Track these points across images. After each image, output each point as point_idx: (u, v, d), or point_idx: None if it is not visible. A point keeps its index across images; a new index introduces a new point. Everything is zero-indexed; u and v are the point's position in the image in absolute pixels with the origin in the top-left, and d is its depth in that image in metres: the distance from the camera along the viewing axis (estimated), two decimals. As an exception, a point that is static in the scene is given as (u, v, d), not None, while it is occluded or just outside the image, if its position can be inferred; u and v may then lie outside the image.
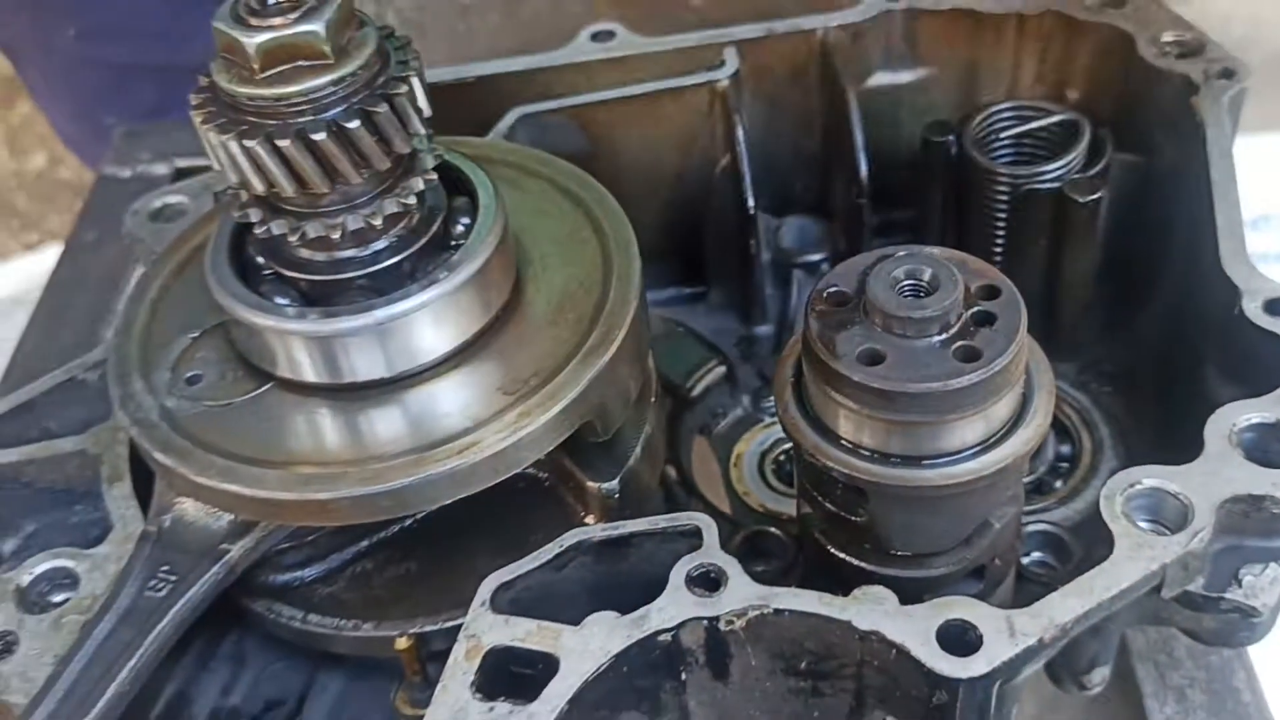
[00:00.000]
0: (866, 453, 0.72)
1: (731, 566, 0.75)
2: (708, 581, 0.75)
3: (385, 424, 0.78)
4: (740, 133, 1.10)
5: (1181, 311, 1.00)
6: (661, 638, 0.73)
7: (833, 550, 0.79)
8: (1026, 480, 0.95)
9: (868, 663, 0.73)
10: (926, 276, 0.72)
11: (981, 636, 0.70)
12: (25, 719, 0.74)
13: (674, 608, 0.73)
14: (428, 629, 0.83)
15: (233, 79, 0.70)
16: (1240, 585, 0.77)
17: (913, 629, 0.70)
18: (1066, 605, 0.71)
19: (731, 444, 1.08)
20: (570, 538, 0.78)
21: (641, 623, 0.73)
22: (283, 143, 0.69)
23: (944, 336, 0.70)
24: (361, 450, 0.77)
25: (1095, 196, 1.02)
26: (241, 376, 0.82)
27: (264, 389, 0.81)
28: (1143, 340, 1.09)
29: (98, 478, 0.89)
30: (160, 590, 0.79)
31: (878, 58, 1.13)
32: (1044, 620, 0.71)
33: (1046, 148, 1.07)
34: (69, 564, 0.84)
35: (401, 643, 0.80)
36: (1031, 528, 0.93)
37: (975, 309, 0.72)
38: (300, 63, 0.70)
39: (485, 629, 0.73)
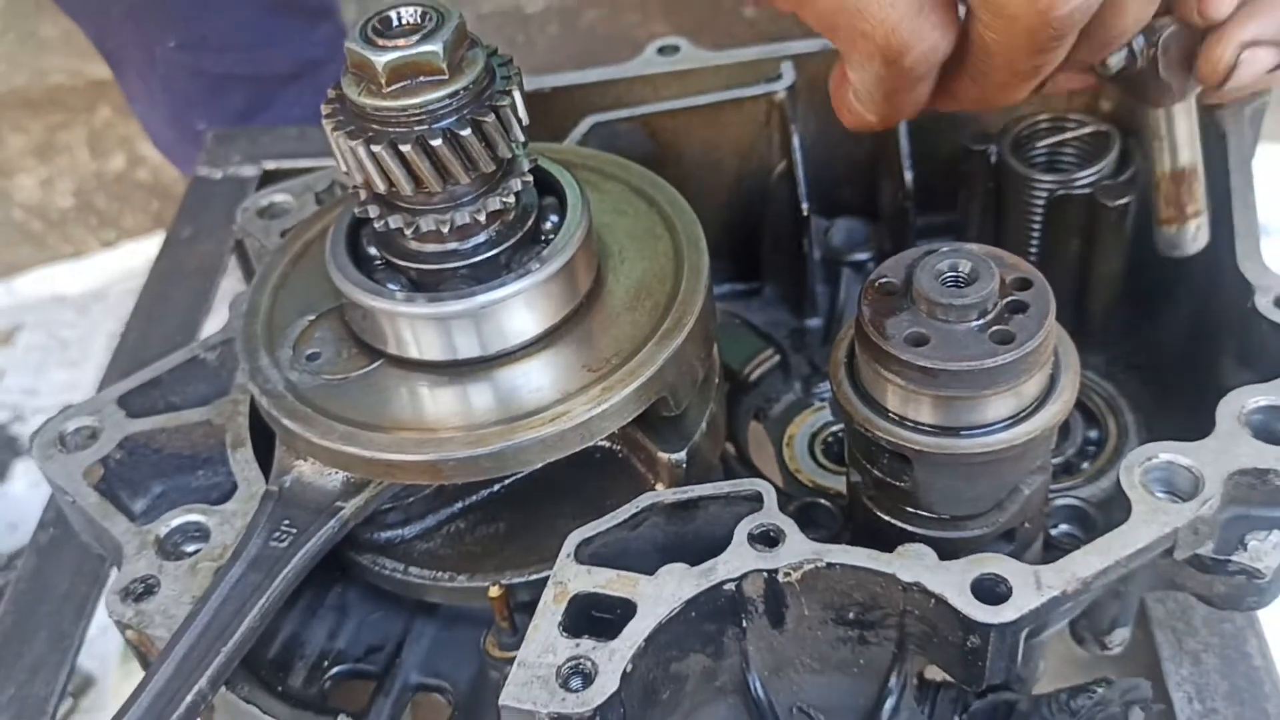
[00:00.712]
0: (911, 424, 0.81)
1: (789, 526, 0.84)
2: (768, 539, 0.84)
3: (483, 396, 0.88)
4: (795, 140, 1.18)
5: (1202, 307, 1.08)
6: (726, 587, 0.82)
7: (880, 514, 0.88)
8: (1057, 461, 1.04)
9: (909, 612, 0.82)
10: (966, 269, 0.81)
11: (1011, 588, 0.79)
12: (170, 649, 0.85)
13: (737, 560, 0.83)
14: (516, 581, 0.92)
15: (361, 92, 0.80)
16: (1246, 549, 0.85)
17: (950, 581, 0.79)
18: (1088, 562, 0.80)
19: (784, 426, 1.17)
20: (645, 500, 0.87)
21: (709, 573, 0.82)
22: (405, 148, 0.79)
23: (981, 322, 0.79)
24: (463, 419, 0.87)
25: (1124, 201, 1.09)
26: (355, 354, 0.92)
27: (375, 365, 0.91)
28: (1166, 334, 1.16)
29: (222, 445, 1.00)
30: (283, 541, 0.89)
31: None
32: (1067, 575, 0.79)
33: (1080, 156, 1.14)
34: (200, 519, 0.94)
35: (494, 591, 0.89)
36: (1060, 501, 1.02)
37: (1010, 298, 0.80)
38: (421, 78, 0.79)
39: (571, 577, 0.83)
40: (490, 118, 0.81)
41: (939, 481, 0.83)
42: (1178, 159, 1.01)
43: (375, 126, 0.80)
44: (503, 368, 0.89)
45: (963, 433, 0.81)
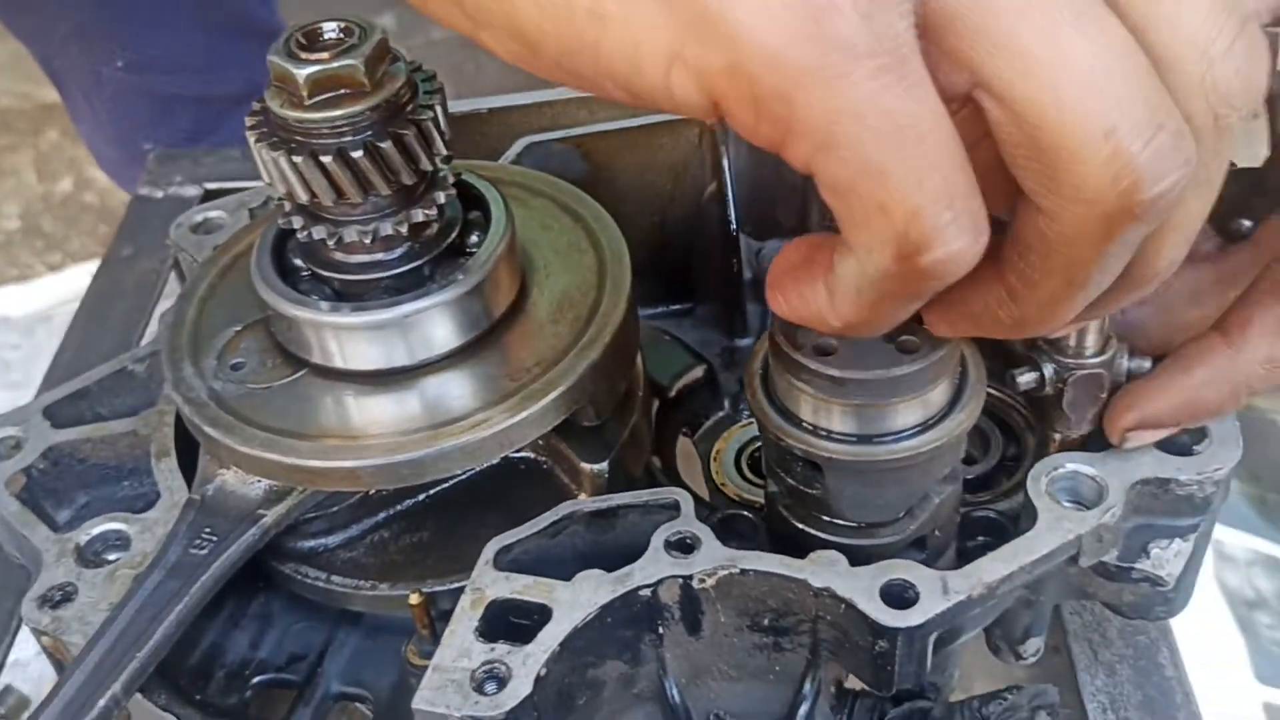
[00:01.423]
0: (824, 432, 0.83)
1: (705, 534, 0.86)
2: (683, 546, 0.85)
3: (405, 405, 0.89)
4: (726, 162, 1.21)
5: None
6: (642, 592, 0.84)
7: (795, 522, 0.90)
8: (976, 476, 1.06)
9: (821, 618, 0.84)
10: (875, 283, 0.83)
11: (919, 593, 0.81)
12: (84, 655, 0.84)
13: (653, 567, 0.84)
14: (437, 589, 0.93)
15: (284, 104, 0.82)
16: (1149, 557, 0.88)
17: (859, 586, 0.81)
18: (993, 568, 0.82)
19: (713, 441, 1.18)
20: (565, 508, 0.89)
21: (625, 579, 0.84)
22: (325, 159, 0.81)
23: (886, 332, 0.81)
24: (385, 427, 0.88)
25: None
26: (280, 364, 0.93)
27: (299, 374, 0.92)
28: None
29: (146, 455, 1.00)
30: (203, 549, 0.90)
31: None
32: (973, 580, 0.82)
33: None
34: (122, 527, 0.94)
35: (414, 599, 0.90)
36: (977, 514, 1.04)
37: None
38: (342, 91, 0.81)
39: (488, 583, 0.84)
40: (411, 131, 0.83)
41: (849, 489, 0.85)
42: None
43: (298, 138, 0.82)
44: (424, 377, 0.90)
45: (873, 440, 0.82)
